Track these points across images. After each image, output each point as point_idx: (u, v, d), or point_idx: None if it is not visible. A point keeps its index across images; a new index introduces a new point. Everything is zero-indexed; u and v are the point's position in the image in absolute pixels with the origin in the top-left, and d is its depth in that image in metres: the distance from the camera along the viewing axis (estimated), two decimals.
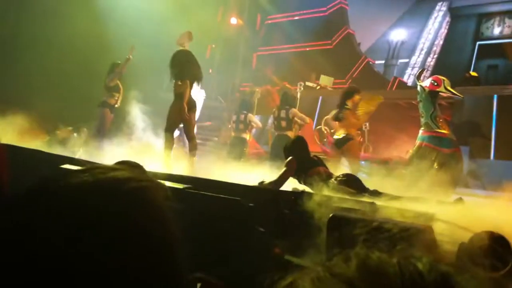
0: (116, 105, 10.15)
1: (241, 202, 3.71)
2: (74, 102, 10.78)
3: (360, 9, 17.63)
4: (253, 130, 11.25)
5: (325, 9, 17.19)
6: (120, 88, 10.21)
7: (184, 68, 7.63)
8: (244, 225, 3.57)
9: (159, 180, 0.82)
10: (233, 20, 17.78)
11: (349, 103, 7.91)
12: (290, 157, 5.47)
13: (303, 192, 4.31)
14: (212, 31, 15.70)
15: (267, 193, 4.64)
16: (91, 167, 0.78)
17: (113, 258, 0.68)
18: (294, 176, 5.42)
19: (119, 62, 10.00)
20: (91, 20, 11.87)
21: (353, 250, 0.64)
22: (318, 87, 13.99)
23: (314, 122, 12.34)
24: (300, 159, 5.47)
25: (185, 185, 4.10)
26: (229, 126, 11.49)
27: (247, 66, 17.74)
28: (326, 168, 5.56)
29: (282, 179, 5.28)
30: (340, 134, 7.95)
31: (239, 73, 17.50)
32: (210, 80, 16.79)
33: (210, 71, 17.06)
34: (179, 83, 7.55)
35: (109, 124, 10.07)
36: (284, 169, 5.39)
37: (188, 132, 7.84)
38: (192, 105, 7.66)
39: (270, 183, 5.24)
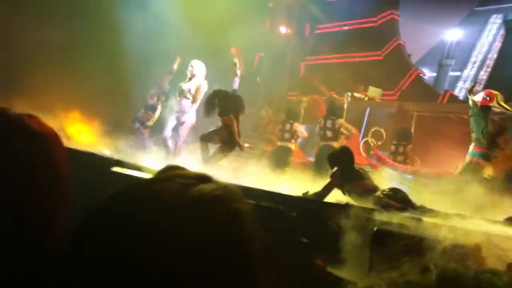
0: (148, 123, 10.30)
1: (284, 211, 3.70)
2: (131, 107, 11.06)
3: (412, 20, 17.36)
4: (299, 139, 11.21)
5: (375, 19, 17.00)
6: (156, 108, 10.21)
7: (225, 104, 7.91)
8: (286, 235, 3.56)
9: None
10: (282, 29, 17.84)
11: (501, 142, 7.42)
12: (335, 168, 5.43)
13: (347, 204, 4.26)
14: (260, 40, 15.78)
15: (311, 203, 4.61)
16: (169, 176, 0.79)
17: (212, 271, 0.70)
18: (338, 187, 5.37)
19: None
20: (148, 30, 12.12)
21: (427, 261, 0.64)
22: (366, 98, 13.84)
23: (361, 134, 12.19)
24: (345, 170, 5.42)
25: None
26: (275, 135, 11.50)
27: (294, 75, 17.72)
28: (371, 181, 5.48)
29: (326, 190, 5.24)
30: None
31: (287, 82, 17.50)
32: (258, 88, 16.87)
33: (258, 79, 17.15)
34: (225, 118, 7.84)
35: (146, 137, 10.20)
36: (328, 180, 5.35)
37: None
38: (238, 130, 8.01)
39: (314, 193, 5.21)
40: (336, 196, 5.36)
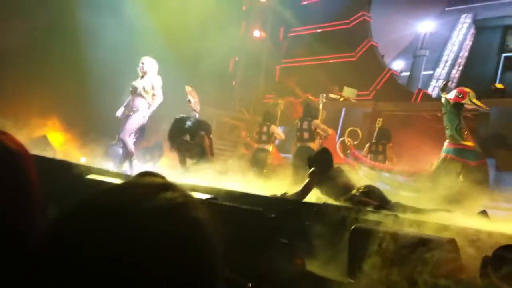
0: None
1: (263, 213, 3.72)
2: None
3: (383, 21, 17.60)
4: (276, 141, 11.26)
5: (348, 21, 17.16)
6: None
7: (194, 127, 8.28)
8: (267, 236, 3.58)
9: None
10: (256, 33, 17.89)
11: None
12: (313, 168, 5.48)
13: (325, 204, 4.31)
14: (235, 44, 15.81)
15: (289, 204, 4.65)
16: (129, 185, 0.80)
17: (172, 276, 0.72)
18: (317, 187, 5.42)
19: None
20: (117, 36, 11.99)
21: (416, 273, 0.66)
22: (342, 98, 13.96)
23: (338, 134, 12.30)
24: (324, 170, 5.48)
25: (208, 196, 4.14)
26: (252, 138, 11.54)
27: (270, 78, 17.80)
28: (349, 179, 5.55)
29: (305, 189, 5.29)
30: None
31: (263, 85, 17.57)
32: (233, 92, 16.91)
33: (234, 83, 17.18)
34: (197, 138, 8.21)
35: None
36: (307, 179, 5.39)
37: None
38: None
39: (293, 194, 5.25)
40: (316, 196, 5.42)
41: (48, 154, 8.25)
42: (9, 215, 1.01)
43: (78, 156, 9.47)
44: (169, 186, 0.79)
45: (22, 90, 10.48)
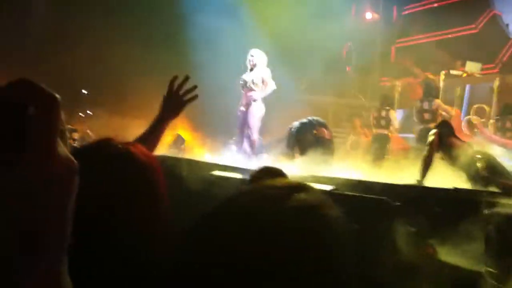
0: None
1: (388, 201, 3.61)
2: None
3: None
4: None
5: None
6: None
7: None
8: (392, 225, 3.47)
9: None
10: (368, 15, 17.42)
11: None
12: (433, 130, 5.36)
13: (454, 188, 4.08)
14: (347, 30, 15.54)
15: (414, 190, 4.47)
16: (264, 186, 0.85)
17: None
18: (437, 151, 5.26)
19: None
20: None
21: None
22: (464, 74, 13.15)
23: (463, 113, 11.63)
24: (443, 135, 5.32)
25: (330, 187, 4.10)
26: (370, 123, 11.29)
27: (385, 60, 17.25)
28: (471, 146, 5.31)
29: (427, 158, 5.16)
30: None
31: (378, 68, 17.08)
32: (348, 78, 16.62)
33: (348, 69, 16.89)
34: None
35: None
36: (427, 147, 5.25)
37: None
38: None
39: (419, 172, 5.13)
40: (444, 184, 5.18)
41: (182, 151, 8.71)
42: (138, 222, 1.08)
43: (202, 152, 9.90)
44: (302, 187, 0.84)
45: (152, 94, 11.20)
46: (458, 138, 5.47)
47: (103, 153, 1.14)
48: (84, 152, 1.21)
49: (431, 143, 5.22)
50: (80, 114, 13.32)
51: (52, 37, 12.69)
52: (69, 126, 7.88)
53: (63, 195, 0.57)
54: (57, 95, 0.58)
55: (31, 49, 12.54)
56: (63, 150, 0.58)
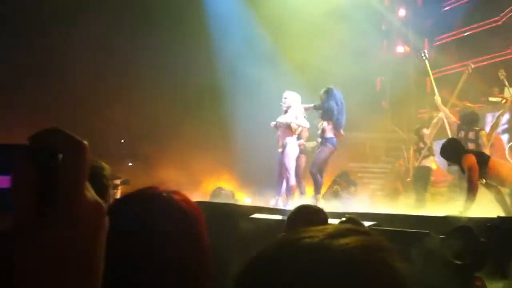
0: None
1: (430, 234, 3.57)
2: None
3: None
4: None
5: (498, 18, 15.94)
6: None
7: None
8: (438, 259, 3.42)
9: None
10: (400, 49, 17.44)
11: None
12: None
13: (499, 217, 4.00)
14: (379, 65, 15.58)
15: (458, 222, 4.39)
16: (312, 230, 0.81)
17: None
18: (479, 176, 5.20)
19: None
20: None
21: None
22: (504, 100, 12.87)
23: (507, 139, 11.37)
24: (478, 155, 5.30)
25: (370, 223, 4.09)
26: (411, 156, 11.12)
27: (420, 92, 17.09)
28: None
29: (471, 181, 5.11)
30: None
31: (414, 100, 16.94)
32: (384, 113, 16.53)
33: (384, 103, 16.82)
34: None
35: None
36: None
37: None
38: None
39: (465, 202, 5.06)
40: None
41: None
42: (182, 268, 1.13)
43: (243, 197, 9.97)
44: (349, 230, 0.80)
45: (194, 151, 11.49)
46: (499, 160, 5.42)
47: (148, 200, 1.20)
48: (128, 200, 1.27)
49: (471, 175, 5.14)
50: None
51: (90, 94, 13.21)
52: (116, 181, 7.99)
53: (91, 239, 0.58)
54: (85, 141, 0.60)
55: (70, 106, 13.04)
56: (91, 194, 0.60)
